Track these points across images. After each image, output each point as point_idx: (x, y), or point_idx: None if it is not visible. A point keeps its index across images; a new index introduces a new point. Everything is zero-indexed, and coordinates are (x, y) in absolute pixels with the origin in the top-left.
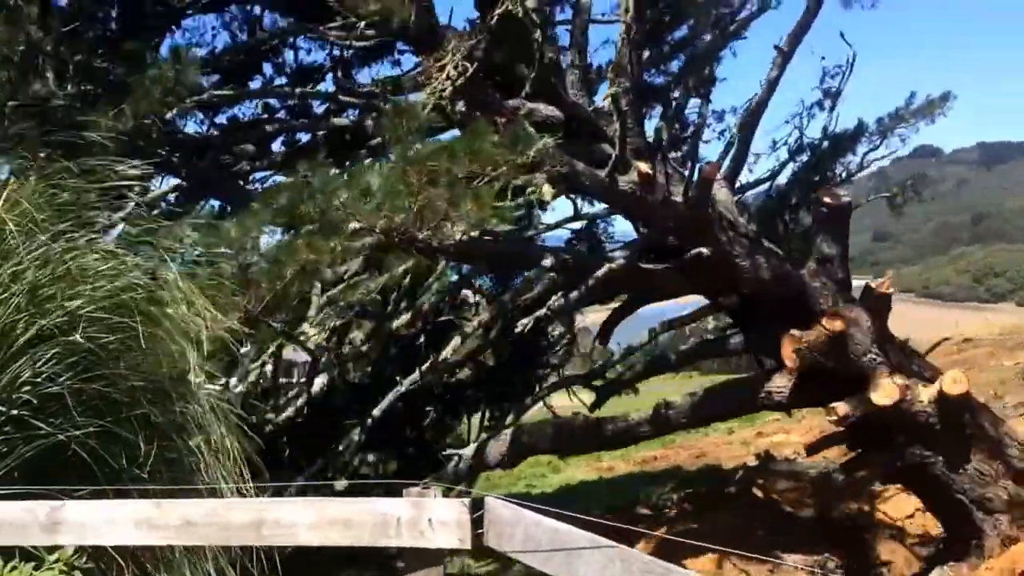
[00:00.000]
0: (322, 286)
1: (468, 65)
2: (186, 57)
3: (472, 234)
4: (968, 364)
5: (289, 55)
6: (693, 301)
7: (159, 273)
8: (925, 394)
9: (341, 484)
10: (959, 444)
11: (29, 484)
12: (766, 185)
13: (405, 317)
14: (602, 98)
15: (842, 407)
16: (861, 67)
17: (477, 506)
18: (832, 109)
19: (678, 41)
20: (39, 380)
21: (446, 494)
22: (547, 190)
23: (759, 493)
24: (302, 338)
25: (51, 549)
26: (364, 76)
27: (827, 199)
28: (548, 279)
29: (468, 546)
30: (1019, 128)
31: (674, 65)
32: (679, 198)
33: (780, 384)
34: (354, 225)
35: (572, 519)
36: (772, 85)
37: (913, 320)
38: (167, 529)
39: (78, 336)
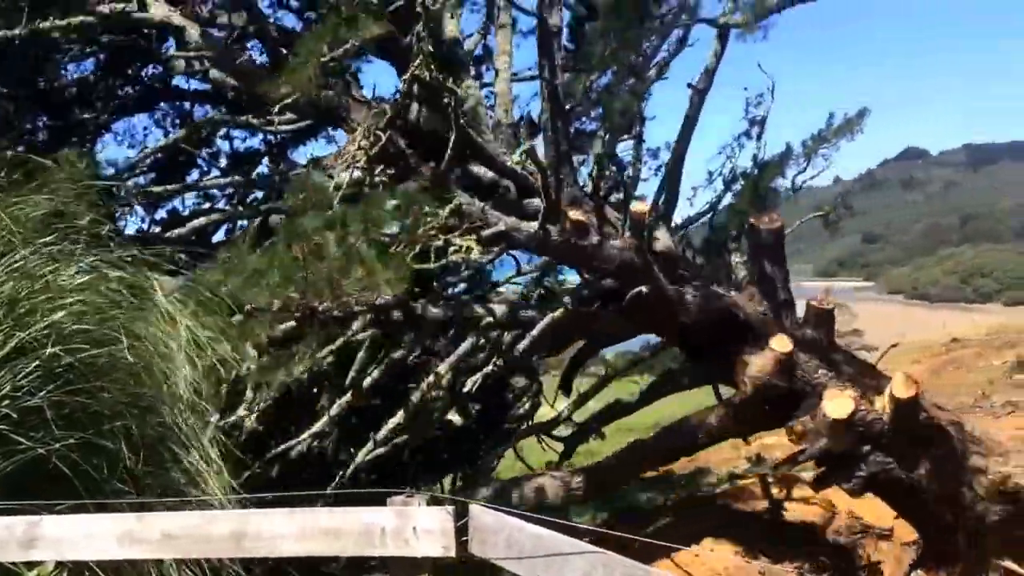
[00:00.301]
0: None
1: (380, 134)
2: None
3: (386, 298)
4: (956, 364)
5: (224, 144)
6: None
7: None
8: (879, 402)
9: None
10: (916, 446)
11: (9, 499)
12: (708, 217)
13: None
14: (517, 154)
15: (799, 425)
16: (855, 72)
17: (461, 514)
18: (759, 137)
19: (603, 88)
20: (19, 394)
21: (431, 503)
22: (473, 248)
23: (748, 496)
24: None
25: (31, 565)
26: (301, 155)
27: (759, 225)
28: (494, 335)
29: (453, 554)
30: (1005, 129)
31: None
32: (615, 241)
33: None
34: (248, 307)
35: (556, 525)
36: (691, 122)
37: (902, 321)
38: (148, 543)
39: (59, 350)
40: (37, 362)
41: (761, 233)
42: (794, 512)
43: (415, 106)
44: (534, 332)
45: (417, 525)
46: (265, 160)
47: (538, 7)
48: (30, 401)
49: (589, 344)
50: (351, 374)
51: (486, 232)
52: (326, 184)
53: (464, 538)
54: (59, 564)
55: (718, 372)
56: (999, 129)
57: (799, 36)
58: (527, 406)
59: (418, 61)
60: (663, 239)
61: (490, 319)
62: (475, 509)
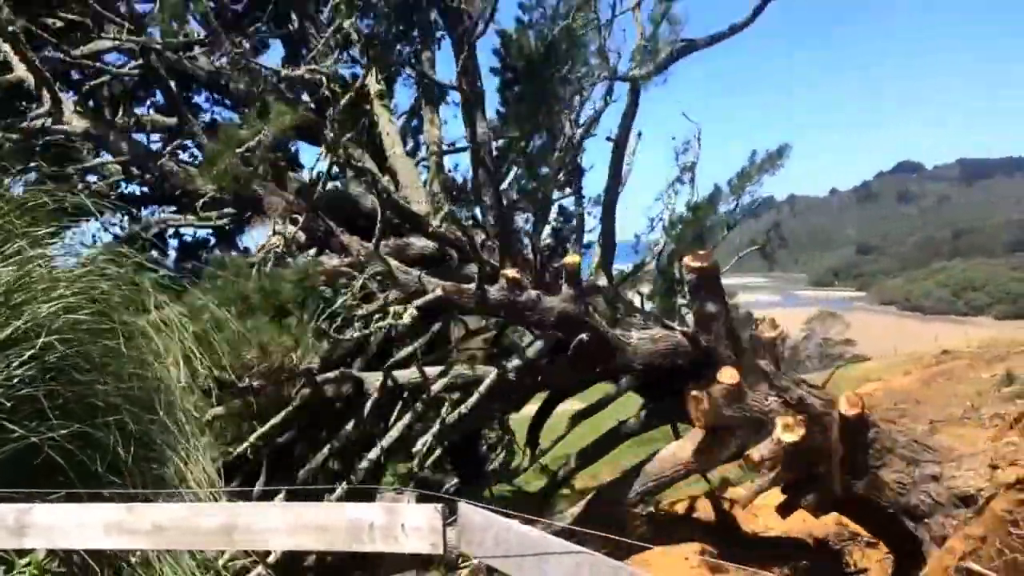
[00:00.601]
0: None
1: (299, 216)
2: None
3: (311, 365)
4: (947, 375)
5: (173, 241)
6: None
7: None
8: (828, 423)
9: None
10: (869, 462)
11: (1, 487)
12: (654, 261)
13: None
14: (438, 220)
15: (755, 452)
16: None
17: (450, 512)
18: (692, 181)
19: (537, 149)
20: (13, 382)
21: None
22: (405, 314)
23: (735, 505)
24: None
25: (22, 553)
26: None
27: (693, 263)
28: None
29: (440, 551)
30: (998, 145)
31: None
32: (551, 297)
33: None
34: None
35: (544, 526)
36: (616, 172)
37: (894, 332)
38: (137, 534)
39: (54, 340)
40: (32, 351)
41: (695, 272)
42: (779, 522)
43: (338, 184)
44: (481, 389)
45: (406, 522)
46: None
47: (457, 79)
48: (24, 390)
49: (552, 396)
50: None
51: (423, 299)
52: (242, 263)
53: (453, 536)
54: (51, 552)
55: (674, 410)
56: (992, 145)
57: (799, 46)
58: (501, 456)
59: (334, 145)
60: (605, 286)
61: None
62: (464, 508)
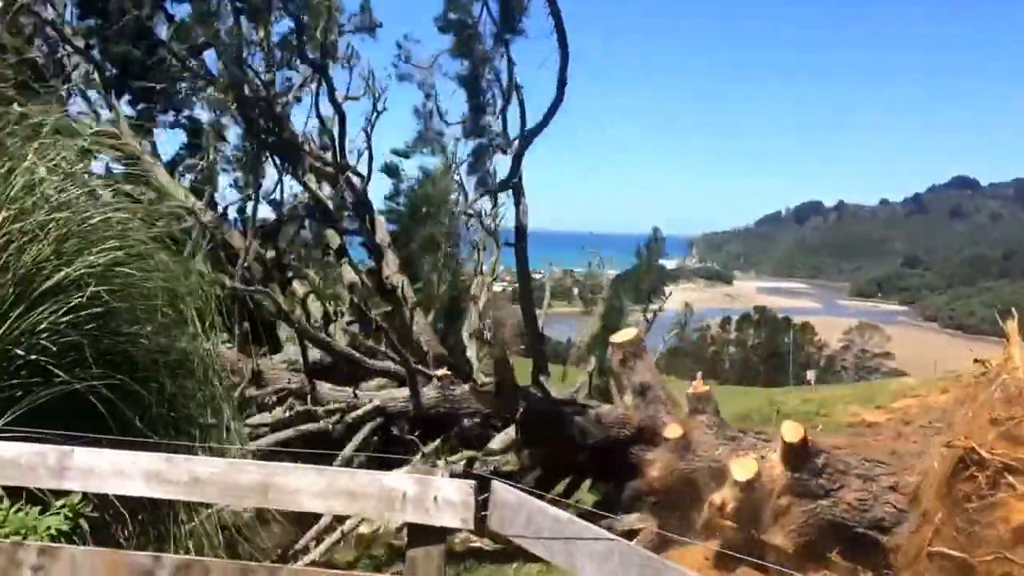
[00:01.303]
0: None
1: None
2: None
3: None
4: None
5: None
6: None
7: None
8: (774, 455)
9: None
10: (825, 485)
11: (42, 429)
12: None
13: None
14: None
15: (717, 497)
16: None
17: (483, 488)
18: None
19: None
20: (59, 328)
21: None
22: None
23: None
24: None
25: (58, 495)
26: None
27: (616, 341)
28: None
29: (471, 527)
30: None
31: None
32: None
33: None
34: None
35: (576, 512)
36: (522, 268)
37: (936, 348)
38: (175, 484)
39: (102, 290)
40: (80, 299)
41: (619, 349)
42: None
43: None
44: None
45: (439, 495)
46: None
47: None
48: (70, 337)
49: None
50: None
51: (360, 411)
52: None
53: (484, 513)
54: (85, 496)
55: (628, 477)
56: None
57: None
58: None
59: None
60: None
61: None
62: (497, 486)
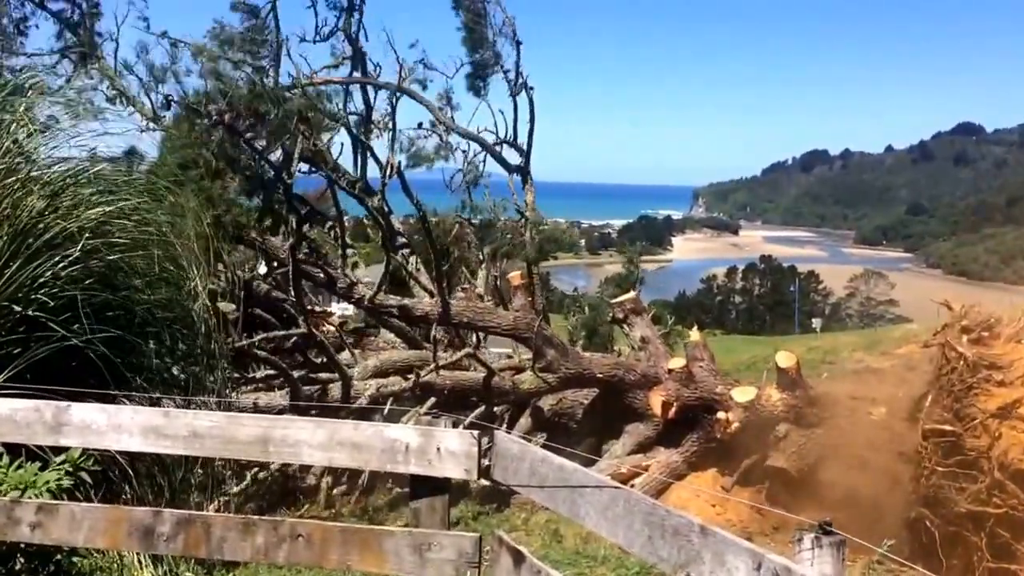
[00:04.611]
0: None
1: None
2: None
3: None
4: None
5: None
6: None
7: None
8: (771, 388)
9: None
10: (815, 415)
11: (39, 384)
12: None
13: None
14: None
15: (723, 417)
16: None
17: (485, 439)
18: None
19: None
20: (57, 283)
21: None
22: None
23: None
24: None
25: (57, 451)
26: None
27: (616, 301)
28: None
29: (474, 477)
30: None
31: None
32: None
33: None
34: None
35: (581, 459)
36: None
37: (940, 295)
38: (174, 439)
39: (100, 243)
40: (77, 254)
41: (620, 309)
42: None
43: None
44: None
45: (441, 445)
46: None
47: None
48: (68, 292)
49: None
50: None
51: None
52: None
53: (487, 463)
54: (84, 452)
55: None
56: None
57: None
58: None
59: None
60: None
61: None
62: (500, 436)
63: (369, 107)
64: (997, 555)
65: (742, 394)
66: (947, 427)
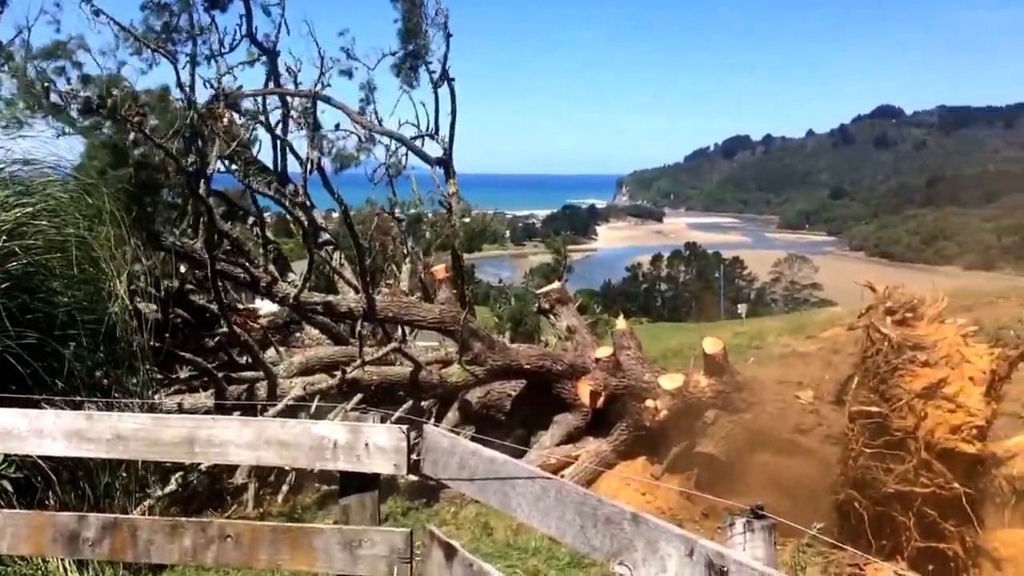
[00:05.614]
0: None
1: None
2: None
3: None
4: None
5: None
6: None
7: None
8: (699, 376)
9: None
10: (742, 400)
11: None
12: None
13: None
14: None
15: (651, 404)
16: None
17: (415, 434)
18: None
19: None
20: None
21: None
22: None
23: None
24: None
25: None
26: None
27: (542, 291)
28: None
29: (404, 472)
30: (981, 93)
31: None
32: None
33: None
34: None
35: (511, 451)
36: None
37: (863, 278)
38: (97, 442)
39: (15, 246)
40: None
41: (547, 299)
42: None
43: None
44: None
45: (370, 441)
46: None
47: None
48: None
49: None
50: None
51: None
52: None
53: (417, 458)
54: (6, 458)
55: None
56: (975, 92)
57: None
58: None
59: None
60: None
61: None
62: (430, 430)
63: (287, 106)
64: (925, 534)
65: (670, 381)
66: (873, 408)
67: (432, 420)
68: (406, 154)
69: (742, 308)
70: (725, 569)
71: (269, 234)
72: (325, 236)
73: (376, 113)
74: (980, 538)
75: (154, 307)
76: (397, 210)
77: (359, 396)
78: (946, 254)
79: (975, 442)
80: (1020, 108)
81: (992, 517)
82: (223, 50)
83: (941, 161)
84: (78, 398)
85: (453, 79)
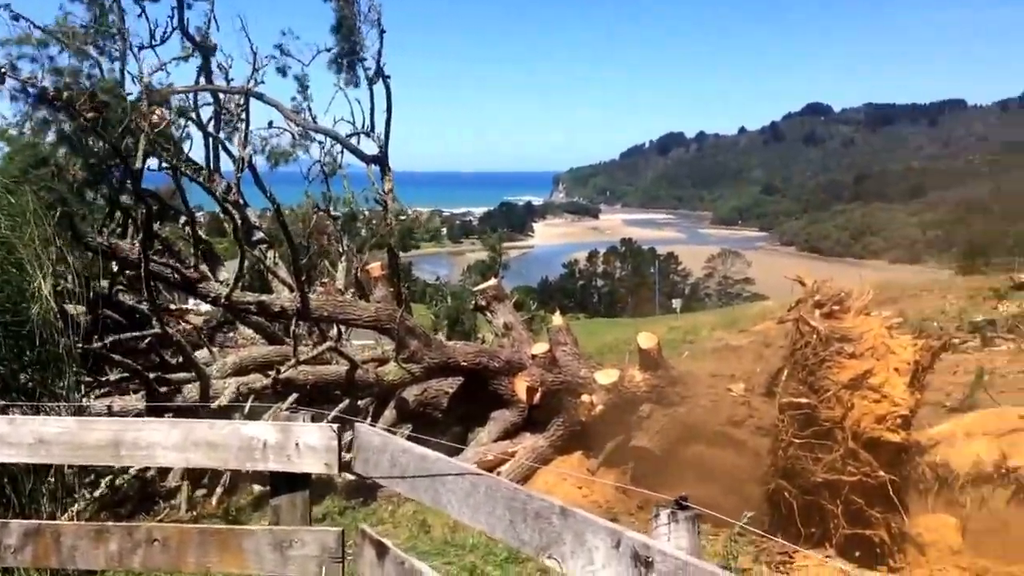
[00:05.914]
0: None
1: None
2: None
3: None
4: None
5: None
6: None
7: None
8: (634, 370)
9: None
10: (677, 394)
11: None
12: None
13: None
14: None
15: (587, 399)
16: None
17: (347, 433)
18: None
19: None
20: None
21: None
22: None
23: None
24: None
25: None
26: None
27: (478, 288)
28: None
29: (335, 471)
30: (906, 91)
31: None
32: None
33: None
34: None
35: (445, 448)
36: None
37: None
38: (19, 447)
39: None
40: None
41: (484, 298)
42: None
43: None
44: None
45: (300, 441)
46: None
47: None
48: None
49: None
50: None
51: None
52: None
53: (348, 457)
54: None
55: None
56: (900, 90)
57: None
58: None
59: None
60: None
61: None
62: (362, 428)
63: (219, 103)
64: (852, 521)
65: (605, 376)
66: (802, 400)
67: (369, 419)
68: (341, 152)
69: (677, 303)
70: (650, 559)
71: (201, 233)
72: (259, 235)
73: (311, 110)
74: (905, 524)
75: (82, 308)
76: (332, 208)
77: (294, 396)
78: (873, 248)
79: (900, 431)
80: (944, 106)
81: (916, 503)
82: (154, 43)
83: (868, 158)
84: (2, 402)
85: (388, 76)
